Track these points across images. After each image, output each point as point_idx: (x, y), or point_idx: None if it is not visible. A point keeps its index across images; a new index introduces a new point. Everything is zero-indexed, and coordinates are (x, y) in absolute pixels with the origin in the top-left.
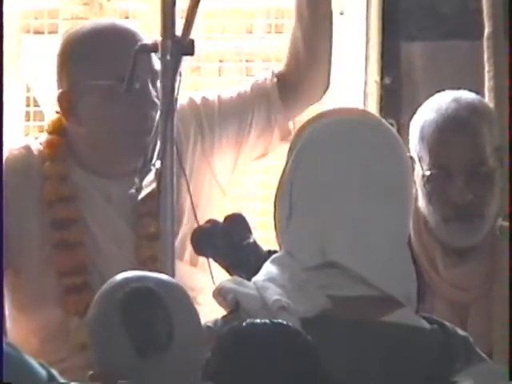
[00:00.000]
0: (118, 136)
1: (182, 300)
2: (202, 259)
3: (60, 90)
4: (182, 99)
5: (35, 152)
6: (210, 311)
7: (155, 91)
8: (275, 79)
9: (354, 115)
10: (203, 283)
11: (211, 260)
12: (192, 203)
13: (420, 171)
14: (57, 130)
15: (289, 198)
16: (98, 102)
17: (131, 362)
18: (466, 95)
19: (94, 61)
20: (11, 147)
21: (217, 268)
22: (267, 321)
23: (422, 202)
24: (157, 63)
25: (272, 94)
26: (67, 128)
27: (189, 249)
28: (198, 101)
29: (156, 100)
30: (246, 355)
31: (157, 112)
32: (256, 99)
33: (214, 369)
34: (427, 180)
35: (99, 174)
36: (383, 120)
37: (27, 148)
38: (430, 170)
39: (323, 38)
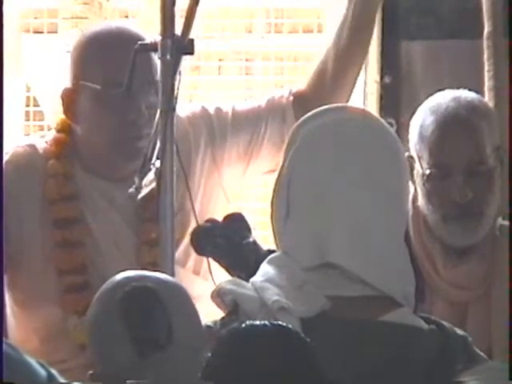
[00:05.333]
0: (104, 140)
1: (182, 299)
2: (204, 268)
3: (64, 88)
4: (193, 105)
5: (40, 151)
6: (206, 319)
7: (151, 96)
8: (291, 98)
9: (353, 114)
10: (202, 291)
11: (211, 260)
12: (191, 201)
13: (420, 170)
14: (64, 128)
15: (286, 198)
16: (89, 103)
17: (131, 361)
18: (466, 94)
19: (89, 62)
20: (17, 145)
21: (217, 272)
22: (266, 322)
23: (421, 201)
24: (156, 68)
25: (287, 113)
26: (73, 128)
27: (192, 257)
28: (212, 110)
29: (144, 108)
30: (245, 356)
31: (148, 119)
32: (270, 115)
33: (214, 369)
34: (427, 179)
35: (101, 176)
36: (381, 119)
37: (32, 146)
38: (429, 169)
39: (355, 68)
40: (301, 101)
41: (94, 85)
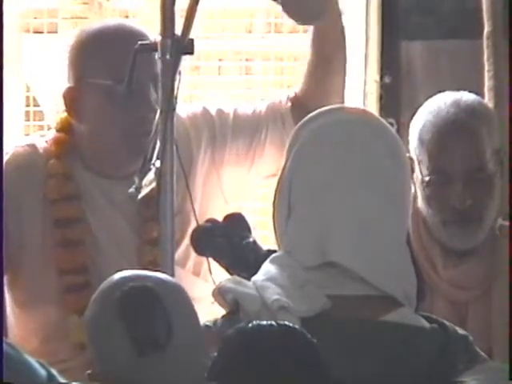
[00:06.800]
0: (114, 136)
1: (180, 299)
2: (204, 269)
3: (66, 86)
4: (194, 105)
5: (40, 150)
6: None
7: (157, 94)
8: (289, 104)
9: (354, 114)
10: (202, 292)
11: (211, 261)
12: (191, 201)
13: (419, 175)
14: (65, 128)
15: (288, 198)
16: (96, 100)
17: (130, 360)
18: (466, 97)
19: (96, 60)
20: (17, 145)
21: (217, 272)
22: (273, 322)
23: (421, 204)
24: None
25: (286, 118)
26: (74, 127)
27: (192, 258)
28: (213, 112)
29: (154, 103)
30: (252, 356)
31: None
32: (270, 121)
33: (220, 369)
34: (427, 184)
35: (102, 175)
36: (382, 119)
37: (32, 146)
38: (429, 174)
39: (339, 73)
40: (298, 106)
41: (104, 81)
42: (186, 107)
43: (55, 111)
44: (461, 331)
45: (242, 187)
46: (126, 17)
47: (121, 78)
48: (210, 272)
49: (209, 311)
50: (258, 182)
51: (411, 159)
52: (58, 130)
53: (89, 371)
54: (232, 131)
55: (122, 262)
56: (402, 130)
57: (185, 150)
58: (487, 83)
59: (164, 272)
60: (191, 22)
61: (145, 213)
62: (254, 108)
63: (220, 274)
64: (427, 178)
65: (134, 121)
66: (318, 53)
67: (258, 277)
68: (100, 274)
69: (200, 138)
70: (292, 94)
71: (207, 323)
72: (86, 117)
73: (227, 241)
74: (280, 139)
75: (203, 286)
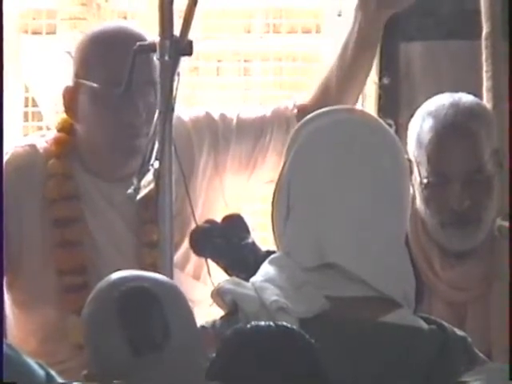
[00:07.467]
0: (104, 138)
1: (177, 300)
2: (204, 273)
3: (65, 86)
4: (197, 109)
5: (40, 150)
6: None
7: (150, 97)
8: (295, 110)
9: (352, 115)
10: (202, 295)
11: (211, 264)
12: (190, 202)
13: (418, 176)
14: (65, 128)
15: (286, 199)
16: (88, 102)
17: (127, 360)
18: (465, 99)
19: (91, 62)
20: (17, 145)
21: (216, 275)
22: (271, 323)
23: (419, 205)
24: (156, 68)
25: (291, 124)
26: (75, 127)
27: (192, 261)
28: (216, 116)
29: (142, 110)
30: (250, 357)
31: (146, 119)
32: (275, 125)
33: (219, 370)
34: (425, 186)
35: (101, 177)
36: (381, 120)
37: (32, 146)
38: (428, 176)
39: (359, 85)
40: (304, 114)
41: (92, 83)
42: (188, 111)
43: (54, 112)
44: (459, 332)
45: (243, 191)
46: (125, 18)
47: (111, 81)
48: (209, 274)
49: (208, 313)
50: (260, 187)
51: (410, 161)
52: (58, 130)
53: (85, 371)
54: (235, 136)
55: (121, 264)
56: (401, 131)
57: (186, 153)
58: (485, 84)
59: (163, 273)
60: (190, 22)
61: (144, 215)
62: (259, 112)
63: (219, 277)
64: (426, 180)
65: (120, 125)
66: (352, 52)
67: (257, 278)
68: (99, 275)
69: (202, 142)
70: (300, 102)
71: (203, 324)
72: (80, 117)
73: (226, 242)
74: (282, 145)
75: (202, 289)
